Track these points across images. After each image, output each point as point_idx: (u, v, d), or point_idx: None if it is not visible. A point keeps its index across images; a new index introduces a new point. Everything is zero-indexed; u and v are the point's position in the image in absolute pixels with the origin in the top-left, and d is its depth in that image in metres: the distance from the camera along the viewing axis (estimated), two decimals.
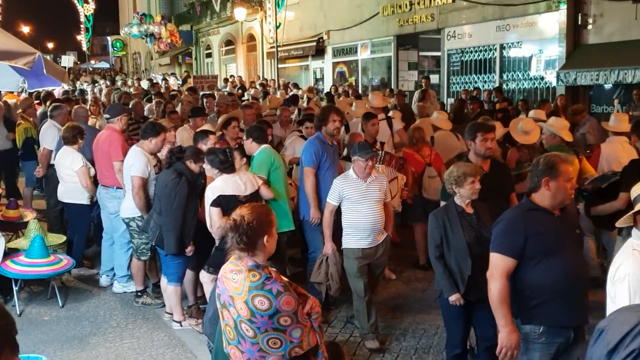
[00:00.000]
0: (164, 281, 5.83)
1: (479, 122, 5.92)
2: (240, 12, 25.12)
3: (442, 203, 4.86)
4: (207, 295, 5.18)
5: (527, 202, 3.65)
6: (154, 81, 22.23)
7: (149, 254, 6.29)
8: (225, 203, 5.12)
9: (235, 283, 3.00)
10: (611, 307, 2.95)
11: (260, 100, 13.38)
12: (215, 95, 12.81)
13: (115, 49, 48.35)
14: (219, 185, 5.32)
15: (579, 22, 13.38)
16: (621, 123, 6.60)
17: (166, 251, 5.54)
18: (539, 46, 14.70)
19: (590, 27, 13.31)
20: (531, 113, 7.99)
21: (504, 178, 5.20)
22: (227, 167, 5.36)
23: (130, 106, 10.10)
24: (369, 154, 5.24)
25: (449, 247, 4.42)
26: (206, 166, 5.47)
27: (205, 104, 10.67)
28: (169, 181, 5.52)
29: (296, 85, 19.10)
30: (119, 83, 23.58)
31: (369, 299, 5.40)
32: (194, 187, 5.62)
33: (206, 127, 7.16)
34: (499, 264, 3.53)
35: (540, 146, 6.54)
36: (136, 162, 6.07)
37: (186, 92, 14.47)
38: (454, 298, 4.40)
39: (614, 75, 12.02)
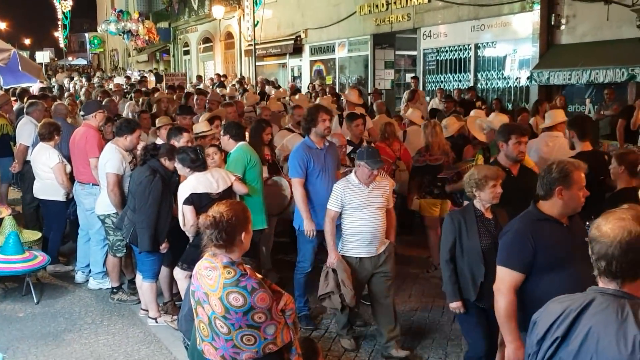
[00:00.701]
0: (139, 278, 5.85)
1: (513, 124, 5.79)
2: (218, 10, 25.02)
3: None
4: (182, 292, 5.20)
5: (535, 210, 3.48)
6: (132, 80, 22.08)
7: (125, 251, 6.31)
8: (198, 201, 5.16)
9: (209, 280, 3.03)
10: None
11: (239, 97, 13.38)
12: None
13: (92, 45, 47.87)
14: (191, 183, 5.33)
15: (552, 23, 13.57)
16: (552, 118, 6.68)
17: (140, 248, 5.56)
18: (513, 46, 14.90)
19: (563, 27, 13.51)
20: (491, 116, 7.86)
21: (533, 184, 4.56)
22: (198, 165, 5.36)
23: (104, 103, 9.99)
24: (378, 164, 4.97)
25: (463, 251, 4.25)
26: (177, 165, 5.47)
27: (195, 101, 10.46)
28: (143, 178, 5.53)
29: (272, 83, 19.20)
30: (95, 80, 23.33)
31: (392, 303, 5.27)
32: (168, 184, 5.63)
33: (202, 126, 7.04)
34: (506, 278, 3.37)
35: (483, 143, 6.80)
36: (111, 159, 6.08)
37: (166, 91, 14.41)
38: (454, 305, 4.29)
39: (585, 75, 12.22)
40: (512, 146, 4.90)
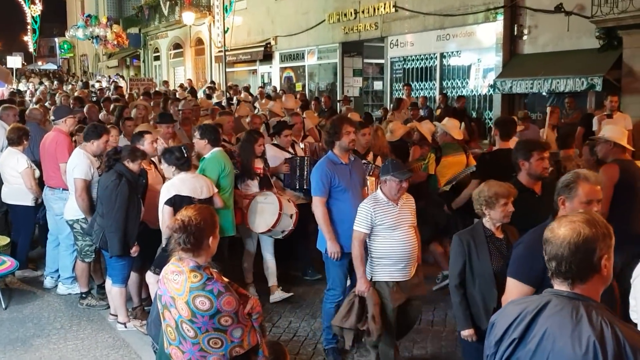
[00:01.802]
0: (108, 283, 5.87)
1: (533, 140, 5.68)
2: (188, 17, 24.99)
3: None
4: (153, 297, 5.24)
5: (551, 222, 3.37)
6: (101, 85, 21.81)
7: (94, 256, 6.32)
8: (180, 203, 5.06)
9: (176, 284, 3.04)
10: (633, 304, 3.06)
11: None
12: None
13: (62, 50, 47.16)
14: (175, 183, 5.35)
15: (515, 33, 13.93)
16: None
17: (111, 253, 5.57)
18: (477, 55, 15.22)
19: (525, 37, 13.88)
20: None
21: None
22: (183, 163, 5.41)
23: (85, 110, 9.87)
24: (405, 174, 4.62)
25: (473, 274, 3.96)
26: (163, 165, 5.52)
27: (173, 109, 10.32)
28: (109, 183, 5.53)
29: (245, 89, 19.24)
30: (68, 87, 22.91)
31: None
32: (135, 187, 5.63)
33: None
34: (514, 291, 3.20)
35: (435, 142, 7.30)
36: (79, 164, 6.09)
37: (141, 97, 14.12)
38: (466, 333, 3.99)
39: (547, 84, 12.57)
40: (535, 163, 4.58)
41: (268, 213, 6.18)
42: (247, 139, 6.53)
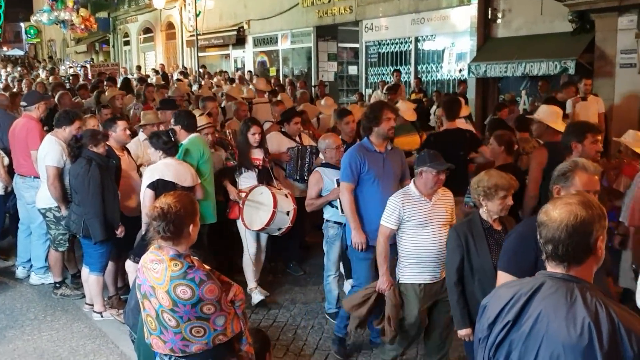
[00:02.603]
0: (85, 271, 5.78)
1: (586, 122, 5.57)
2: (158, 0, 24.55)
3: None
4: (131, 285, 5.16)
5: None
6: (75, 71, 21.28)
7: (67, 245, 6.23)
8: (162, 188, 4.97)
9: (156, 273, 2.99)
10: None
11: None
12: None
13: (29, 35, 45.99)
14: (159, 168, 5.28)
15: (489, 17, 13.97)
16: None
17: (94, 239, 5.48)
18: (451, 39, 15.24)
19: (499, 21, 13.91)
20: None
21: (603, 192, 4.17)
22: (170, 147, 5.36)
23: (57, 98, 9.36)
24: (443, 165, 4.25)
25: (472, 270, 3.76)
26: (150, 150, 5.46)
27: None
28: (79, 170, 5.47)
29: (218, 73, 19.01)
30: (40, 72, 22.31)
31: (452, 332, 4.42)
32: (106, 169, 5.57)
33: (202, 120, 6.53)
34: None
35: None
36: (50, 152, 5.98)
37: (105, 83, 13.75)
38: (463, 333, 3.86)
39: (521, 67, 12.64)
40: (588, 146, 4.41)
41: (263, 210, 5.84)
42: (241, 129, 6.24)
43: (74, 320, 5.81)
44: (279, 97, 10.59)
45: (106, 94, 9.78)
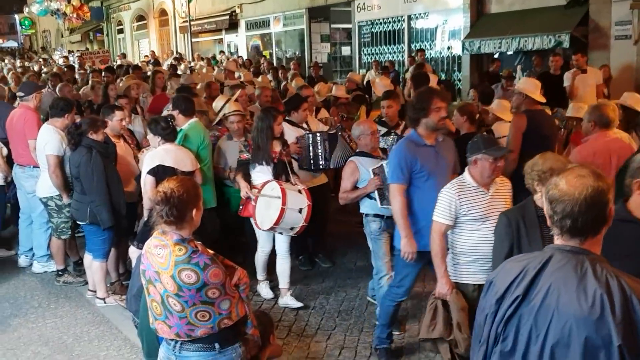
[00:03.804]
0: (88, 258, 5.79)
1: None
2: None
3: None
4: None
5: (622, 209, 2.82)
6: (67, 61, 21.04)
7: (70, 233, 6.24)
8: (163, 174, 4.91)
9: (160, 258, 2.98)
10: None
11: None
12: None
13: (23, 27, 45.64)
14: (159, 154, 5.27)
15: None
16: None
17: (103, 226, 5.51)
18: (444, 17, 15.20)
19: None
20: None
21: None
22: (169, 133, 5.36)
23: (58, 89, 9.16)
24: (501, 151, 3.90)
25: None
26: (149, 136, 5.48)
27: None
28: (80, 159, 5.47)
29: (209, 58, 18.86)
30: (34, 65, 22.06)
31: None
32: (107, 156, 5.59)
33: (233, 106, 6.31)
34: None
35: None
36: (50, 141, 5.97)
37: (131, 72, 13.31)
38: None
39: (515, 42, 12.64)
40: None
41: (273, 208, 5.33)
42: (264, 118, 5.59)
43: (77, 307, 5.84)
44: (259, 79, 10.58)
45: (120, 84, 9.45)
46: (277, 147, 5.60)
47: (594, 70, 9.47)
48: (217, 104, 6.79)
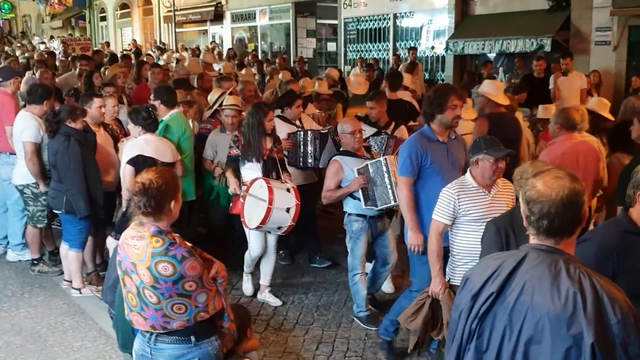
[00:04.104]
0: (64, 247, 5.74)
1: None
2: None
3: None
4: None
5: (625, 218, 2.83)
6: (47, 48, 20.75)
7: (46, 221, 6.18)
8: (142, 164, 4.88)
9: (137, 249, 2.95)
10: None
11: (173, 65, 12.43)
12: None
13: (3, 11, 44.88)
14: (139, 144, 5.25)
15: None
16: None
17: (79, 215, 5.46)
18: (429, 16, 15.28)
19: None
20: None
21: None
22: (150, 123, 5.34)
23: (38, 76, 8.91)
24: (502, 152, 3.82)
25: None
26: (130, 125, 5.43)
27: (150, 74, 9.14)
28: (58, 147, 5.43)
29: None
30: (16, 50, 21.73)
31: None
32: (85, 144, 5.55)
33: (232, 100, 6.19)
34: None
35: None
36: (27, 127, 5.91)
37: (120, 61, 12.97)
38: None
39: (498, 44, 12.76)
40: None
41: (260, 206, 5.22)
42: (255, 113, 5.43)
43: (52, 297, 5.79)
44: (242, 72, 10.51)
45: (106, 72, 9.30)
46: (268, 143, 5.48)
47: (579, 75, 9.58)
48: (212, 96, 6.72)
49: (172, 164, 5.35)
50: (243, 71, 10.98)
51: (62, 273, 6.05)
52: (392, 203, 4.84)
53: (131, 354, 3.36)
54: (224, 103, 6.16)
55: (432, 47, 15.06)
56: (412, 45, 15.63)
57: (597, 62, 11.46)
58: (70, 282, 5.83)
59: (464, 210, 3.85)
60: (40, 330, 5.16)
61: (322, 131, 6.27)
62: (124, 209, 5.14)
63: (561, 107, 5.76)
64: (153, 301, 2.97)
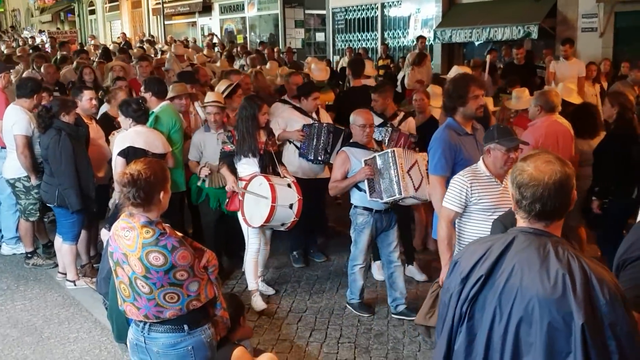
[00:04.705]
0: (58, 240, 5.77)
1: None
2: None
3: None
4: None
5: None
6: (35, 41, 20.59)
7: (38, 215, 6.21)
8: (134, 155, 4.84)
9: (128, 240, 2.98)
10: None
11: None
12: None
13: None
14: (130, 135, 5.26)
15: None
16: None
17: (71, 209, 5.49)
18: (417, 5, 15.27)
19: None
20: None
21: None
22: (140, 115, 5.36)
23: (42, 70, 8.81)
24: (514, 142, 3.76)
25: None
26: (120, 117, 5.45)
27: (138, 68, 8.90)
28: (49, 141, 5.45)
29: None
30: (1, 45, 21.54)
31: None
32: (77, 138, 5.56)
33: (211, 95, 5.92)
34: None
35: None
36: (18, 121, 5.91)
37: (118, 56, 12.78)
38: None
39: (485, 32, 12.80)
40: None
41: (262, 204, 5.08)
42: (248, 107, 5.28)
43: (47, 289, 5.82)
44: (217, 64, 10.49)
45: (103, 66, 9.33)
46: (262, 137, 5.34)
47: (578, 62, 9.62)
48: (220, 88, 6.45)
49: (163, 156, 5.37)
50: (218, 63, 10.90)
51: (56, 266, 6.08)
52: (397, 195, 4.75)
53: (126, 344, 3.40)
54: (205, 100, 5.92)
55: (419, 38, 15.07)
56: (400, 34, 15.65)
57: (584, 48, 11.52)
58: (65, 274, 5.86)
59: (475, 199, 3.78)
60: (36, 322, 5.19)
61: (337, 126, 6.11)
62: (117, 201, 5.13)
63: (541, 90, 5.91)
64: (145, 291, 3.01)
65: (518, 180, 2.08)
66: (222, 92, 6.24)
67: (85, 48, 15.41)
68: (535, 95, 5.66)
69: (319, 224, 6.69)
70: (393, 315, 5.25)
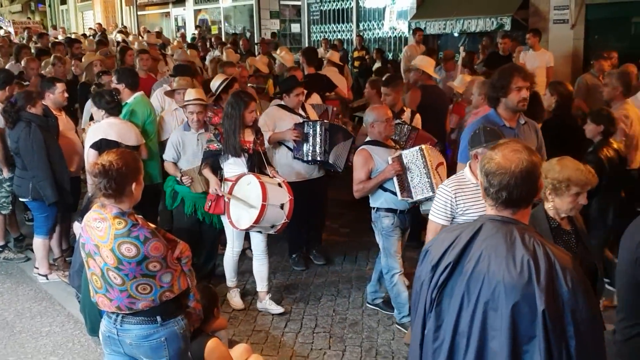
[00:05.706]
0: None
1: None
2: None
3: None
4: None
5: None
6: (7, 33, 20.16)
7: (10, 208, 6.15)
8: (106, 147, 4.69)
9: (99, 231, 2.97)
10: None
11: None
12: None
13: None
14: (102, 127, 5.24)
15: None
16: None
17: (48, 201, 5.46)
18: None
19: None
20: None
21: None
22: (113, 107, 5.33)
23: (23, 64, 8.46)
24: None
25: None
26: (93, 109, 5.43)
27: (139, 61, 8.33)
28: (20, 134, 5.41)
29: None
30: None
31: None
32: (47, 129, 5.53)
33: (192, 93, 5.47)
34: None
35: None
36: None
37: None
38: None
39: (459, 24, 12.84)
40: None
41: (251, 204, 4.80)
42: (234, 104, 4.97)
43: (18, 283, 5.77)
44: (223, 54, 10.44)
45: (83, 59, 8.85)
46: (249, 136, 5.04)
47: (545, 52, 9.70)
48: (215, 83, 6.12)
49: (136, 147, 5.34)
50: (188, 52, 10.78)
51: (27, 259, 6.05)
52: (430, 193, 4.43)
53: (99, 337, 3.39)
54: (185, 97, 5.49)
55: (394, 28, 15.11)
56: (375, 26, 15.64)
57: (555, 40, 11.64)
58: (38, 268, 5.82)
59: (461, 210, 3.59)
60: (8, 317, 5.15)
61: (332, 122, 5.81)
62: (91, 194, 5.02)
63: (483, 80, 5.80)
64: (117, 282, 3.00)
65: (486, 169, 2.13)
66: (217, 88, 5.96)
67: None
68: (478, 83, 5.68)
69: (320, 225, 6.42)
70: (368, 305, 5.30)
